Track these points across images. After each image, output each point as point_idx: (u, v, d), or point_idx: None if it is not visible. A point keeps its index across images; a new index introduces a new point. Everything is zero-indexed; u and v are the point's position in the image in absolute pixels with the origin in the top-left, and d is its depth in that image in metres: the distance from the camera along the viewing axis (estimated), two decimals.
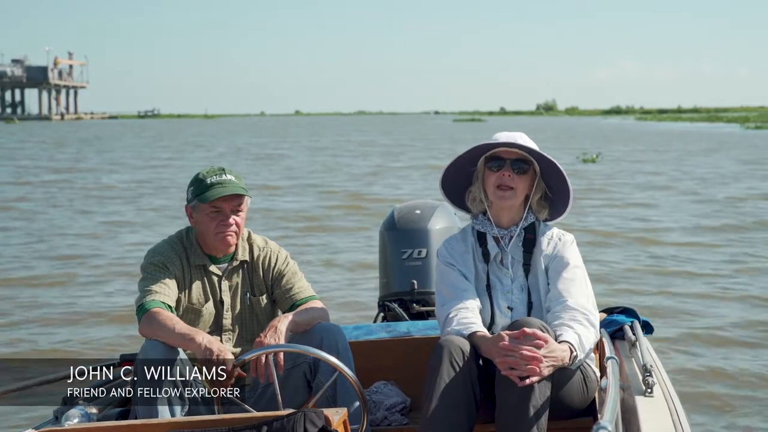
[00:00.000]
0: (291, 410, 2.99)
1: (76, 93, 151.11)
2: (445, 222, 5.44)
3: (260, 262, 3.95)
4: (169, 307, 3.69)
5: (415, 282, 5.34)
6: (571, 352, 3.41)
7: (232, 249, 3.90)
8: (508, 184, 3.68)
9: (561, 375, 3.47)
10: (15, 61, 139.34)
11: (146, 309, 3.65)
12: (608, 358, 3.34)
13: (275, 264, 3.95)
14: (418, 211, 5.49)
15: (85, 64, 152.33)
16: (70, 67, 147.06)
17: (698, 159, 33.50)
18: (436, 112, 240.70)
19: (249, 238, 3.97)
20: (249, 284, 3.93)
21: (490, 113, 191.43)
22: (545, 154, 3.69)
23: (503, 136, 3.71)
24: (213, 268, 3.89)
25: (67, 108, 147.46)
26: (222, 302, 3.88)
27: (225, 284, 3.90)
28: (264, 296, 3.94)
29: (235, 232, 3.84)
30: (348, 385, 3.55)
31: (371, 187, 23.14)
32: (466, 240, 3.81)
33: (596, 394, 3.73)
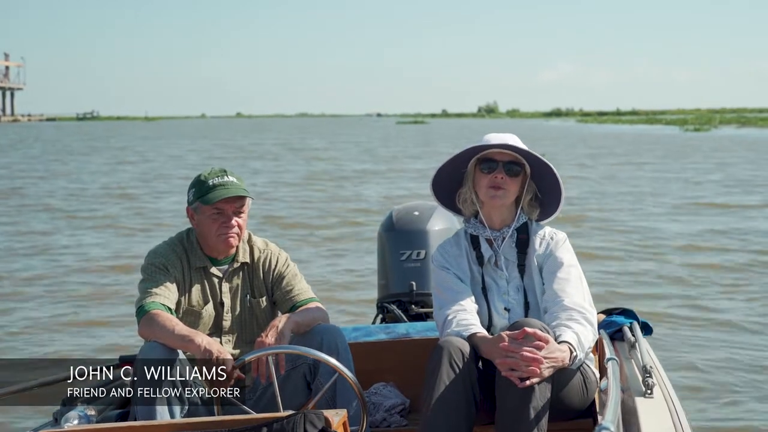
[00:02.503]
0: (291, 411, 2.98)
1: (12, 94, 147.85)
2: (443, 223, 5.43)
3: (261, 264, 3.95)
4: (169, 309, 3.69)
5: (413, 283, 5.33)
6: (571, 352, 3.41)
7: (234, 251, 3.90)
8: (500, 185, 3.68)
9: (561, 376, 3.46)
10: None
11: (146, 310, 3.65)
12: (608, 359, 3.34)
13: (275, 266, 3.95)
14: (416, 213, 5.49)
15: (21, 65, 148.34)
16: (6, 68, 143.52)
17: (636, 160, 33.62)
18: (379, 114, 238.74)
19: (249, 240, 3.97)
20: (249, 286, 3.93)
21: (433, 115, 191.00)
22: (539, 155, 3.70)
23: (495, 138, 3.71)
24: (213, 269, 3.89)
25: (3, 110, 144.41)
26: (222, 304, 3.88)
27: (225, 286, 3.90)
28: (264, 298, 3.94)
29: (237, 234, 3.84)
30: (348, 386, 3.55)
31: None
32: (460, 244, 3.81)
33: (596, 396, 3.73)
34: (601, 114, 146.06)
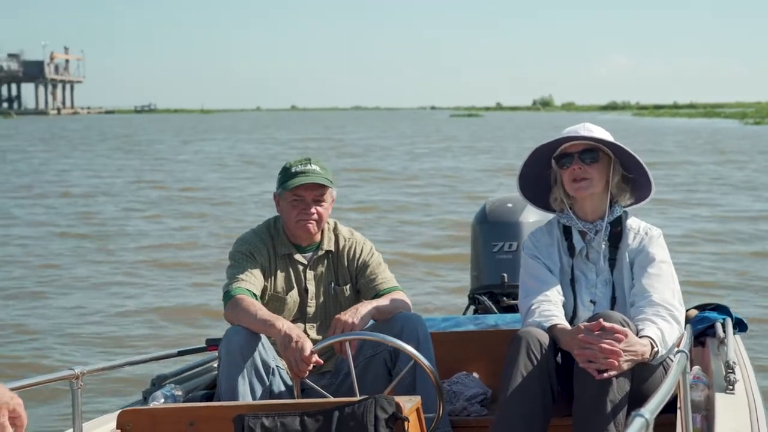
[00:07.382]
0: (364, 397, 3.02)
1: (72, 87, 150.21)
2: (536, 216, 5.40)
3: (345, 253, 4.00)
4: (254, 294, 3.78)
5: (505, 275, 5.32)
6: (652, 347, 3.36)
7: (316, 238, 3.97)
8: (581, 176, 3.65)
9: (642, 370, 3.41)
10: (11, 56, 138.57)
11: (231, 295, 3.74)
12: (678, 352, 3.29)
13: (360, 254, 4.00)
14: (509, 205, 5.48)
15: (81, 58, 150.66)
16: (67, 61, 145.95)
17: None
18: (433, 107, 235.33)
19: (335, 229, 4.03)
20: (334, 274, 3.99)
21: (487, 108, 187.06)
22: (605, 138, 3.62)
23: (566, 131, 3.70)
24: (298, 256, 3.96)
25: (63, 102, 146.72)
26: (306, 291, 3.95)
27: (310, 273, 3.97)
28: (348, 286, 3.99)
29: (316, 221, 3.90)
30: (427, 374, 3.58)
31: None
32: (552, 233, 3.79)
33: (680, 391, 3.67)
34: (658, 107, 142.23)
